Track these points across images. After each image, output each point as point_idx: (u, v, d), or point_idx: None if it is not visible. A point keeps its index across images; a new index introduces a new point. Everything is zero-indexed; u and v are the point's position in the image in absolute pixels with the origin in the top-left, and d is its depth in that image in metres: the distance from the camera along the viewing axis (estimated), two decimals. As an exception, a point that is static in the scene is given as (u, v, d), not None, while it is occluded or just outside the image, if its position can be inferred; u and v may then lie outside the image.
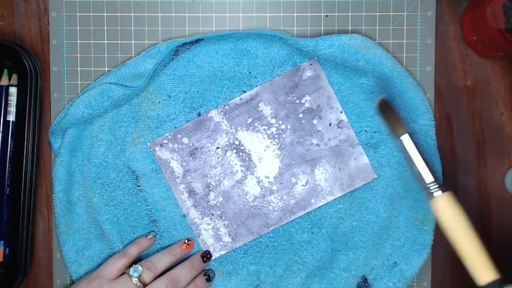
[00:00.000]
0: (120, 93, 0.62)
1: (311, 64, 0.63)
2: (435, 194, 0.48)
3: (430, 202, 0.48)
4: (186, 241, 0.64)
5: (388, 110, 0.54)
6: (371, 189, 0.64)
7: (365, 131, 0.64)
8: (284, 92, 0.64)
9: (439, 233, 0.65)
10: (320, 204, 0.64)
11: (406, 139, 0.52)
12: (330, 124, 0.64)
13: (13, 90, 0.62)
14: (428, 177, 0.50)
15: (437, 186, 0.49)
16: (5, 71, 0.62)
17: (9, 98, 0.62)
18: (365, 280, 0.64)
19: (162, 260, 0.61)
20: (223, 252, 0.65)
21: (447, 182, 0.65)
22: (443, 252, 0.66)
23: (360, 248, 0.65)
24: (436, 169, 0.59)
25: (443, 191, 0.48)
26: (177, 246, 0.64)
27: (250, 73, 0.64)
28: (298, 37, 0.62)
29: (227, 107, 0.64)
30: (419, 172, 0.51)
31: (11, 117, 0.62)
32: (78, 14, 0.64)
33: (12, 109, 0.62)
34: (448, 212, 0.46)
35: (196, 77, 0.64)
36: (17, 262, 0.62)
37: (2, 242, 0.63)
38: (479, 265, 0.46)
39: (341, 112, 0.64)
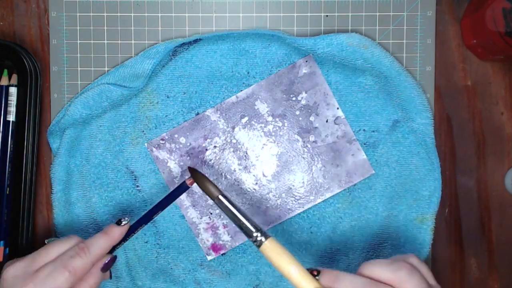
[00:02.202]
0: (118, 94, 0.62)
1: (306, 61, 0.63)
2: (262, 241, 0.52)
3: (260, 249, 0.52)
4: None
5: (199, 176, 0.57)
6: (369, 188, 0.64)
7: (364, 130, 0.64)
8: (280, 89, 0.64)
9: (438, 232, 0.65)
10: (319, 201, 0.64)
11: (221, 199, 0.55)
12: (327, 121, 0.64)
13: (13, 90, 0.62)
14: (251, 229, 0.53)
15: (260, 234, 0.52)
16: (5, 71, 0.63)
17: (9, 98, 0.62)
18: (364, 280, 0.64)
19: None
20: (222, 251, 0.65)
21: (447, 182, 0.65)
22: (443, 251, 0.66)
23: (359, 247, 0.64)
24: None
25: (266, 237, 0.52)
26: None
27: (248, 73, 0.64)
28: (297, 37, 0.63)
29: (223, 105, 0.64)
30: (242, 227, 0.54)
31: (11, 117, 0.63)
32: (78, 14, 0.65)
33: (12, 109, 0.62)
34: (277, 252, 0.51)
35: (194, 77, 0.64)
36: (17, 262, 0.63)
37: (2, 242, 0.63)
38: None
39: (337, 108, 0.64)
